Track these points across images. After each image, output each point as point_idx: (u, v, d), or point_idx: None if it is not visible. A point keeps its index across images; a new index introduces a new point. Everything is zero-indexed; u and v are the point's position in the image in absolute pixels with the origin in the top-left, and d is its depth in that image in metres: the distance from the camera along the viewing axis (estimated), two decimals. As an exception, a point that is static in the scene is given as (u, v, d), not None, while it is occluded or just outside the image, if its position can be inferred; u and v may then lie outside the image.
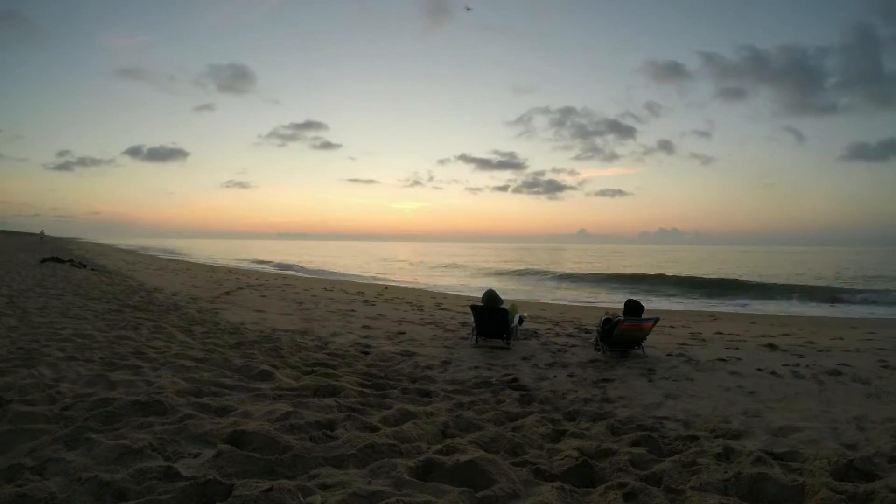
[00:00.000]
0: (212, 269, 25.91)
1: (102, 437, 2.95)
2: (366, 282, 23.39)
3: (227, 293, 13.38)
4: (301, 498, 2.32)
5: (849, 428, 3.95)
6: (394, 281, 25.19)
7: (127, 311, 8.78)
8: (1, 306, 8.16)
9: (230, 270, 26.41)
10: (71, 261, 20.58)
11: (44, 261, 19.85)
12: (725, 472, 2.83)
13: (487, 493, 2.52)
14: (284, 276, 23.93)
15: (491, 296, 7.47)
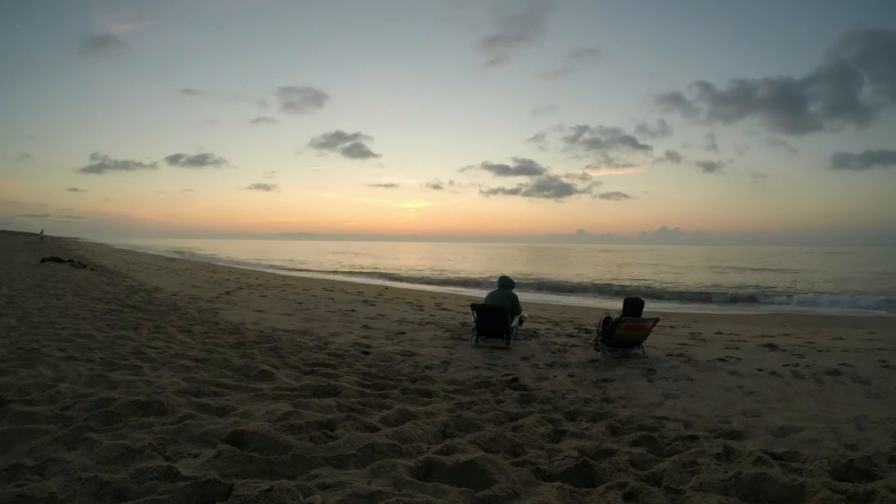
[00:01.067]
0: (212, 269, 25.91)
1: (102, 437, 2.94)
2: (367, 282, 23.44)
3: (227, 293, 13.39)
4: (301, 498, 2.32)
5: (849, 428, 3.95)
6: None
7: (127, 311, 8.78)
8: (1, 306, 8.15)
9: (230, 270, 26.41)
10: (71, 261, 20.57)
11: (44, 261, 19.84)
12: (725, 472, 2.83)
13: (487, 493, 2.52)
14: (284, 277, 23.93)
15: (504, 282, 7.67)
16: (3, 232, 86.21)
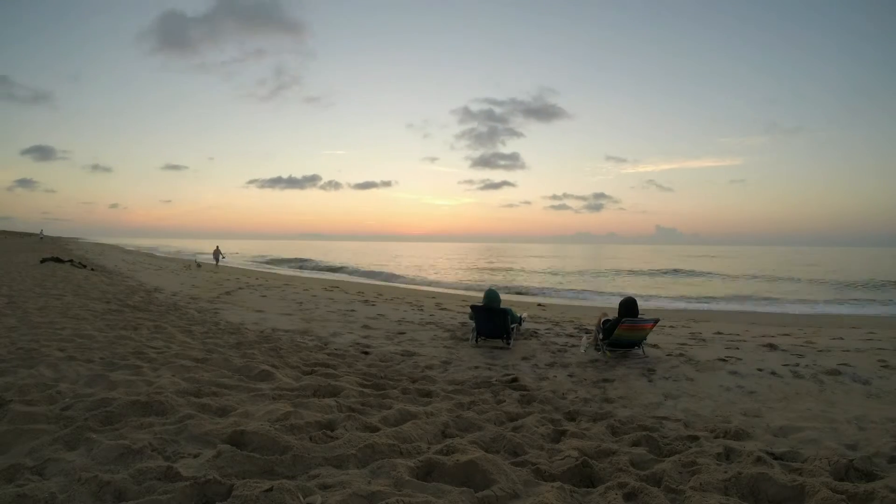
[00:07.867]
0: (212, 269, 25.89)
1: (102, 437, 2.94)
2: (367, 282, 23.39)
3: (227, 293, 13.38)
4: (301, 498, 2.32)
5: (849, 428, 3.95)
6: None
7: (127, 311, 8.78)
8: (1, 306, 8.15)
9: (231, 270, 26.40)
10: (71, 261, 20.58)
11: (44, 261, 19.84)
12: (725, 472, 2.83)
13: (487, 493, 2.52)
14: (285, 277, 23.93)
15: (492, 295, 7.46)
16: (3, 232, 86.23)
